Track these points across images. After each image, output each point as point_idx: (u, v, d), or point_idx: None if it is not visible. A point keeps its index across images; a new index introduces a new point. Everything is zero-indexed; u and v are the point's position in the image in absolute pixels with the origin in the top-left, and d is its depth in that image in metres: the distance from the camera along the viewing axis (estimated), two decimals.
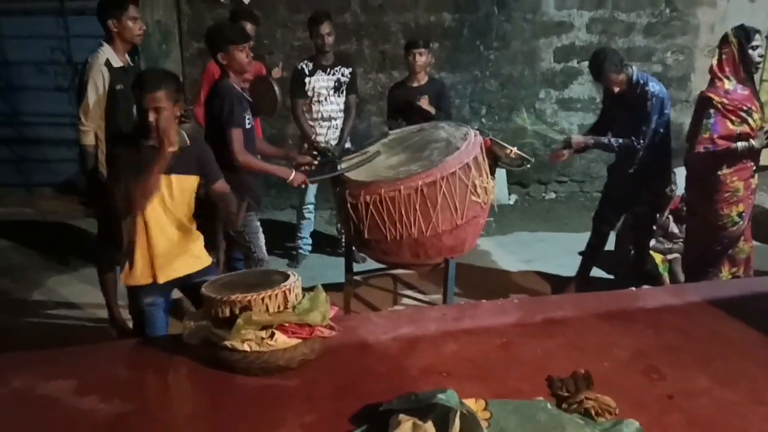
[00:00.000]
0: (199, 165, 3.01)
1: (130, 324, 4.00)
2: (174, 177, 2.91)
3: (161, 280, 2.97)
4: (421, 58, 4.94)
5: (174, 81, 2.88)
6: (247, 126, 3.80)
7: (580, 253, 4.99)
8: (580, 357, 2.39)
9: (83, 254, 5.29)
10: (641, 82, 4.34)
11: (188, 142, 2.97)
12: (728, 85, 4.08)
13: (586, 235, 4.96)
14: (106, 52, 3.93)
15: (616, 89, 4.36)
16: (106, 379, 2.33)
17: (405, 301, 4.81)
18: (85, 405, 2.14)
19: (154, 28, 6.16)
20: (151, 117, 2.77)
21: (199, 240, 3.12)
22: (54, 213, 6.48)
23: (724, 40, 4.13)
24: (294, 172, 3.88)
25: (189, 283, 2.98)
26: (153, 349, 2.55)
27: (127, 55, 4.09)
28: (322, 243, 5.84)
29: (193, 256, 3.06)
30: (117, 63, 3.95)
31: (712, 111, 4.07)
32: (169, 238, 2.97)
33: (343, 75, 5.20)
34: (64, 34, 6.58)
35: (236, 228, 3.65)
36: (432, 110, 4.84)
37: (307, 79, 5.13)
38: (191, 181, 2.99)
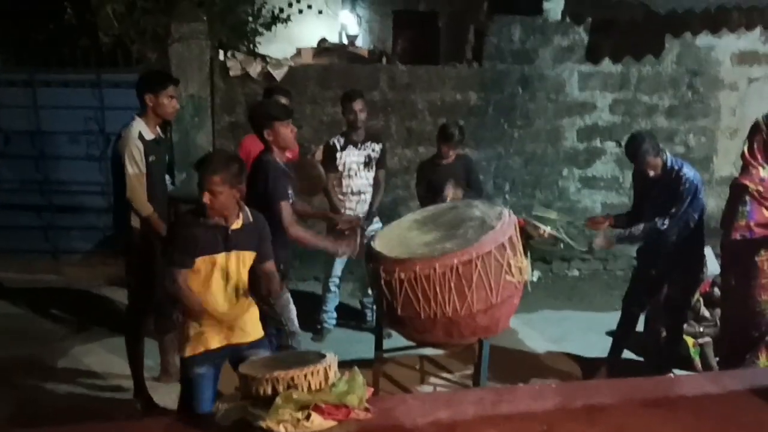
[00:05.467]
0: (259, 242, 3.11)
1: (160, 397, 4.00)
2: (234, 253, 3.02)
3: (214, 345, 3.06)
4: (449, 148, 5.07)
5: (234, 165, 2.98)
6: (290, 201, 3.85)
7: (609, 334, 4.90)
8: None
9: (108, 323, 5.27)
10: (676, 167, 4.36)
11: (251, 218, 3.07)
12: (763, 172, 4.05)
13: (612, 315, 4.88)
14: (139, 126, 4.00)
15: (651, 173, 4.37)
16: None
17: (433, 380, 4.72)
18: None
19: (187, 102, 6.31)
20: (205, 198, 2.89)
21: (254, 312, 3.22)
22: (79, 280, 6.51)
23: (755, 128, 4.10)
24: (340, 244, 3.96)
25: (239, 356, 3.01)
26: (186, 429, 2.50)
27: (158, 128, 4.18)
28: (347, 316, 5.78)
29: (248, 328, 3.17)
30: (149, 136, 4.03)
31: (747, 198, 4.04)
32: (226, 310, 3.07)
33: (373, 151, 5.29)
34: (99, 105, 6.74)
35: (277, 298, 3.69)
36: (460, 196, 4.88)
37: (338, 154, 5.22)
38: (251, 257, 3.09)
